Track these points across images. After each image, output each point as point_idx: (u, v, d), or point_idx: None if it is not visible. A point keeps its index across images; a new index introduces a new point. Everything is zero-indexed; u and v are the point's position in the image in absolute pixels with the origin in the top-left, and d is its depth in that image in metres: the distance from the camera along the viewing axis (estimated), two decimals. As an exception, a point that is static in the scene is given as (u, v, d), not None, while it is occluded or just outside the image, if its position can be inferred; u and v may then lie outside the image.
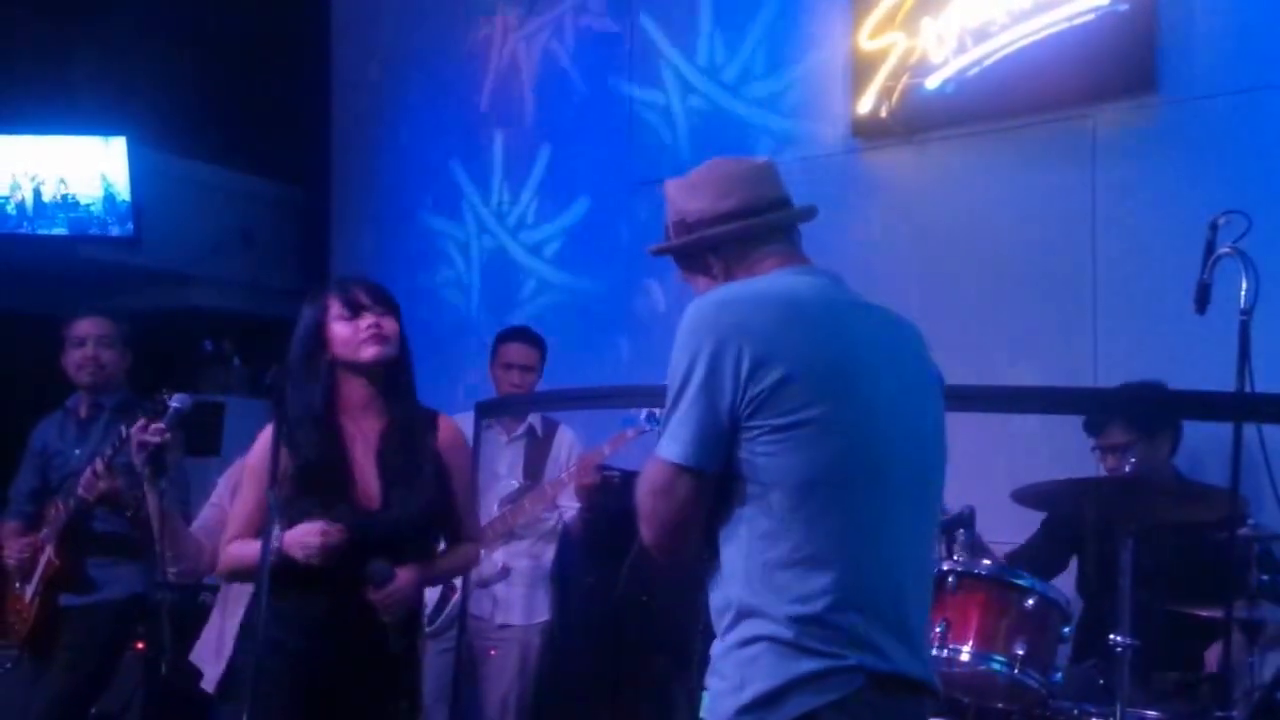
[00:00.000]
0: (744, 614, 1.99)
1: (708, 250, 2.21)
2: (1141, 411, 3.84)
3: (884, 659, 1.98)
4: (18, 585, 4.25)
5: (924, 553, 2.13)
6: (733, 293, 2.10)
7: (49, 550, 4.14)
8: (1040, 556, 3.95)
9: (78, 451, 4.27)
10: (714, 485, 2.01)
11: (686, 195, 2.24)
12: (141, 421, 3.09)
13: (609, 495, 4.49)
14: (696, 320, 2.03)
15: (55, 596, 4.17)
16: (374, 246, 6.95)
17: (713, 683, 2.04)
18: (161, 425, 2.91)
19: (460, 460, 3.14)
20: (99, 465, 3.92)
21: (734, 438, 1.98)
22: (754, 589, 1.98)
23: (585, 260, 6.06)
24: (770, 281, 2.15)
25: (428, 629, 4.18)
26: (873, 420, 2.04)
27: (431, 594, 4.18)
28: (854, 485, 2.01)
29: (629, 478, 4.62)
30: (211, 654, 3.68)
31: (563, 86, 6.24)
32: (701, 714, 2.13)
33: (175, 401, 2.98)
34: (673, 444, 1.99)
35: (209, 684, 3.63)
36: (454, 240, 6.62)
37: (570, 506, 4.59)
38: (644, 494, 2.05)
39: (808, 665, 1.94)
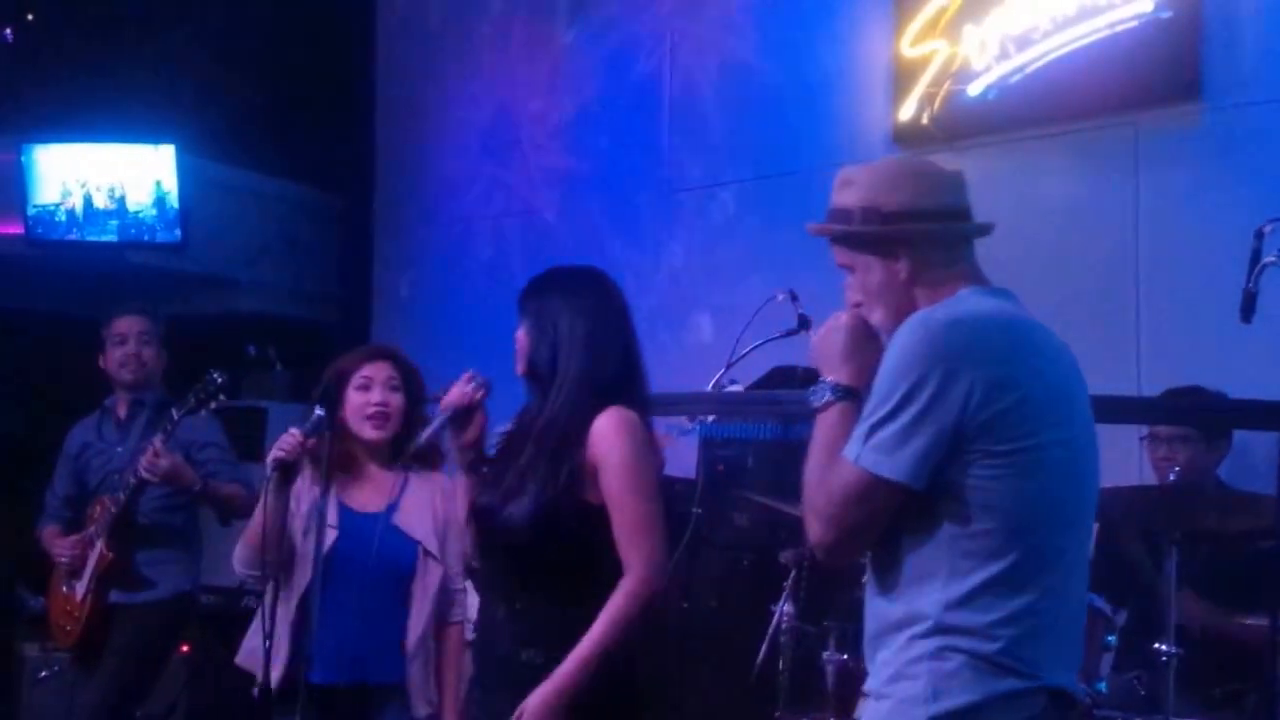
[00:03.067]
0: (940, 628, 1.99)
1: (902, 244, 2.16)
2: (1189, 421, 3.82)
3: (1066, 680, 2.03)
4: (65, 588, 4.24)
5: (1085, 576, 2.17)
6: (956, 314, 2.06)
7: (100, 545, 4.12)
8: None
9: (120, 449, 4.28)
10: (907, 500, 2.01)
11: (884, 185, 2.21)
12: (294, 433, 2.98)
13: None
14: (923, 340, 2.00)
15: (107, 593, 4.16)
16: (415, 253, 7.00)
17: (892, 689, 2.03)
18: (299, 434, 2.83)
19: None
20: (158, 444, 3.91)
21: (949, 458, 1.98)
22: (954, 605, 1.99)
23: (618, 266, 6.06)
24: (978, 304, 2.13)
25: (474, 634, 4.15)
26: (1080, 449, 2.10)
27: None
28: (1059, 513, 2.05)
29: (669, 483, 4.64)
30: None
31: (603, 92, 6.26)
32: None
33: (320, 409, 2.89)
34: (884, 458, 1.98)
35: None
36: (495, 246, 6.65)
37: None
38: (834, 499, 2.02)
39: (1006, 684, 1.97)
